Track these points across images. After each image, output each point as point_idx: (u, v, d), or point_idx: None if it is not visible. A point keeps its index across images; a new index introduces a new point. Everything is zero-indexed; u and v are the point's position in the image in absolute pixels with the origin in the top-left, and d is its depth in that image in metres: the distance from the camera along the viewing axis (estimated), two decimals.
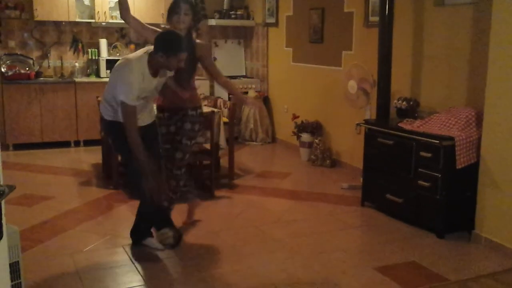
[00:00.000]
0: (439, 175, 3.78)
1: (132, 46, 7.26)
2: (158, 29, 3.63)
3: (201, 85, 6.56)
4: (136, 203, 3.71)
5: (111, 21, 6.95)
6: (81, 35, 7.14)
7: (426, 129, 3.98)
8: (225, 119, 5.19)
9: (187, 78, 3.76)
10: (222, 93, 6.82)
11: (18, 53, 6.81)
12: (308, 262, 3.42)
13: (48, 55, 6.97)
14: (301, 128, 6.28)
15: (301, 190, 5.15)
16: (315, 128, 6.22)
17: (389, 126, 4.33)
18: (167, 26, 3.83)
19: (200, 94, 5.41)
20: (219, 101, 5.52)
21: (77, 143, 6.87)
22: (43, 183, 5.20)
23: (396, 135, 4.16)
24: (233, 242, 3.75)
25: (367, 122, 4.63)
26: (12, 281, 2.47)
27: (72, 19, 6.76)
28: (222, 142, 5.05)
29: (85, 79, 6.90)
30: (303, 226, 4.11)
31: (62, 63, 7.05)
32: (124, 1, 3.57)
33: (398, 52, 4.66)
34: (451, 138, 3.72)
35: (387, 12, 4.40)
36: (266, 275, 3.23)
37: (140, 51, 3.32)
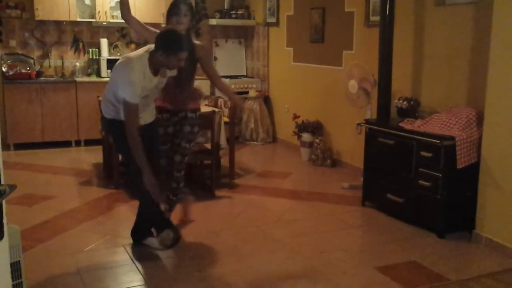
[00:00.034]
0: (440, 175, 3.78)
1: (133, 46, 7.26)
2: (158, 31, 3.63)
3: (202, 85, 6.55)
4: (136, 203, 3.70)
5: (112, 20, 6.95)
6: (82, 34, 7.14)
7: (426, 129, 3.98)
8: (225, 119, 5.20)
9: (187, 79, 3.76)
10: None
11: (19, 52, 6.82)
12: (308, 262, 3.42)
13: (49, 54, 6.97)
14: (302, 127, 6.28)
15: (302, 190, 5.15)
16: (315, 128, 6.22)
17: (390, 125, 4.33)
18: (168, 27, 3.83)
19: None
20: (219, 100, 5.52)
21: (78, 143, 6.88)
22: (44, 183, 5.20)
23: (396, 134, 4.16)
24: (233, 242, 3.75)
25: (367, 121, 4.63)
26: (13, 280, 2.48)
27: (73, 18, 6.76)
28: (223, 141, 5.05)
29: (86, 79, 6.90)
30: (304, 226, 4.12)
31: (63, 63, 7.06)
32: (125, 1, 3.57)
33: (399, 51, 4.66)
34: (452, 138, 3.72)
35: (387, 11, 4.40)
36: (267, 275, 3.23)
37: (141, 50, 3.32)
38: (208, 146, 4.96)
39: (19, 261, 2.54)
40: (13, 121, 6.51)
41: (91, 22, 7.03)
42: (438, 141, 3.75)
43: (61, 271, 3.24)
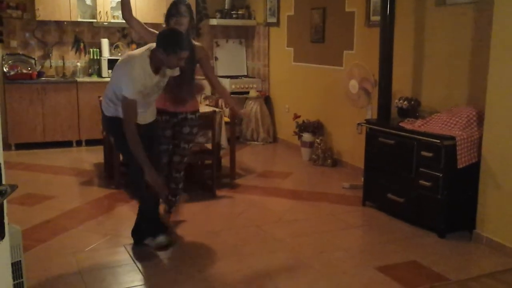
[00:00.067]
0: (440, 175, 3.78)
1: (134, 46, 7.26)
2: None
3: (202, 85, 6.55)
4: (137, 203, 3.71)
5: (112, 21, 6.96)
6: (83, 35, 7.15)
7: (427, 129, 3.98)
8: (226, 119, 5.20)
9: (188, 79, 3.77)
10: None
11: (20, 53, 6.82)
12: (309, 261, 3.42)
13: (50, 55, 6.98)
14: (302, 127, 6.28)
15: (302, 189, 5.15)
16: (316, 128, 6.22)
17: (390, 125, 4.33)
18: None
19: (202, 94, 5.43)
20: (220, 100, 5.52)
21: (79, 143, 6.89)
22: (45, 183, 5.21)
23: (397, 134, 4.16)
24: (234, 242, 3.76)
25: (368, 121, 4.63)
26: (14, 280, 2.48)
27: (74, 19, 6.76)
28: (224, 141, 5.06)
29: (87, 79, 6.91)
30: (304, 225, 4.12)
31: (64, 63, 7.06)
32: (127, 2, 3.57)
33: (399, 51, 4.66)
34: (452, 138, 3.73)
35: (388, 11, 4.40)
36: (267, 275, 3.23)
37: (143, 48, 3.33)
38: (209, 146, 4.97)
39: (20, 261, 2.55)
40: (14, 121, 6.51)
41: (92, 22, 7.04)
42: (439, 141, 3.75)
43: (62, 271, 3.24)
